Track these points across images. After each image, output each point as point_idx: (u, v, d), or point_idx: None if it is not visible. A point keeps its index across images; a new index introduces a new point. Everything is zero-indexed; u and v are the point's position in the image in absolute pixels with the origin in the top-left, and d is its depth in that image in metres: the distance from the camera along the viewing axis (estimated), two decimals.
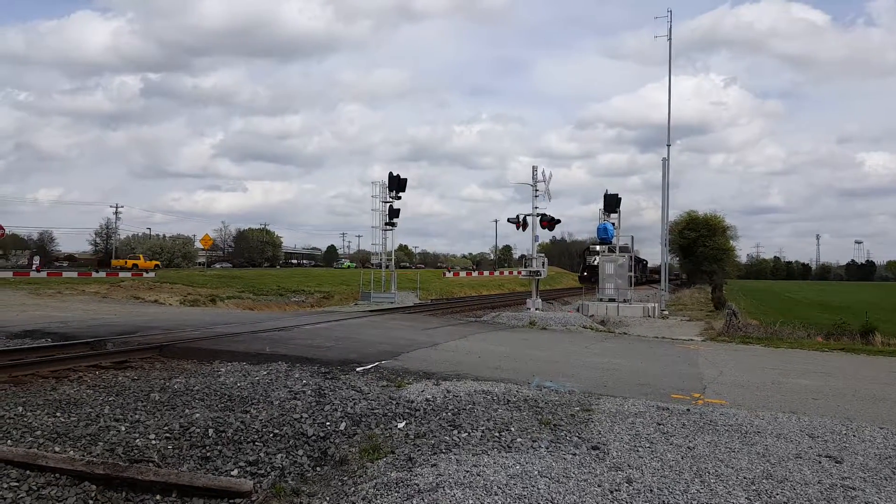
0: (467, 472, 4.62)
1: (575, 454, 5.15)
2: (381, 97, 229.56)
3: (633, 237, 29.93)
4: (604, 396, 7.46)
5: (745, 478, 4.73)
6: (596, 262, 49.58)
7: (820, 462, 5.18)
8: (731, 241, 60.78)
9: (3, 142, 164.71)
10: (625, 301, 24.70)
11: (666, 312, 24.66)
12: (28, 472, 4.40)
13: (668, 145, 32.56)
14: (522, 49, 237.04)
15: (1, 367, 7.64)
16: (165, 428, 5.48)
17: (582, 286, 47.83)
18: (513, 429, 5.89)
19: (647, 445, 5.46)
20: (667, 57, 37.87)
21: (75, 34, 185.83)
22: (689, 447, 5.46)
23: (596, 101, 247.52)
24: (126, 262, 56.27)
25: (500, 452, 5.19)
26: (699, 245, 55.93)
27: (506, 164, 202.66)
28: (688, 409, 6.88)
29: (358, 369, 8.72)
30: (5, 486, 4.20)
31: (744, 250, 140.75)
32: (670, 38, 33.73)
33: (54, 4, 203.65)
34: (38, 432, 5.21)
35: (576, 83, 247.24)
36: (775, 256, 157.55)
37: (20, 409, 5.87)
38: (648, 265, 60.94)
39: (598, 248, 51.26)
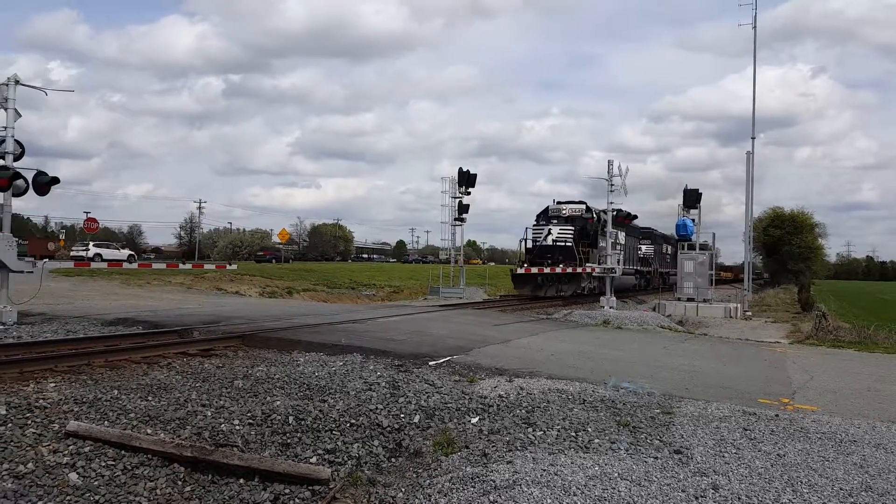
0: (544, 470, 4.55)
1: (657, 458, 4.98)
2: (451, 94, 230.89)
3: (714, 234, 28.67)
4: (685, 399, 7.19)
5: (841, 489, 4.45)
6: (552, 242, 28.35)
7: None
8: (819, 240, 57.65)
9: (98, 141, 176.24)
10: (705, 301, 23.82)
11: (749, 313, 23.61)
12: (123, 451, 4.65)
13: (753, 138, 30.90)
14: (594, 42, 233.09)
15: (98, 353, 8.12)
16: (248, 414, 5.66)
17: (516, 291, 27.95)
18: (590, 429, 5.75)
19: (734, 451, 5.22)
20: (748, 47, 36.12)
21: (164, 38, 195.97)
22: (778, 454, 5.18)
23: (672, 94, 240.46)
24: None
25: (577, 452, 5.08)
26: (784, 243, 53.32)
27: (577, 160, 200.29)
28: (776, 415, 6.54)
29: (430, 363, 8.76)
30: (103, 464, 4.45)
31: (833, 249, 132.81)
32: (755, 26, 31.94)
33: (145, 10, 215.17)
34: (132, 415, 5.48)
35: (650, 76, 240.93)
36: (868, 256, 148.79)
37: (115, 392, 6.19)
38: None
39: (564, 209, 29.29)
